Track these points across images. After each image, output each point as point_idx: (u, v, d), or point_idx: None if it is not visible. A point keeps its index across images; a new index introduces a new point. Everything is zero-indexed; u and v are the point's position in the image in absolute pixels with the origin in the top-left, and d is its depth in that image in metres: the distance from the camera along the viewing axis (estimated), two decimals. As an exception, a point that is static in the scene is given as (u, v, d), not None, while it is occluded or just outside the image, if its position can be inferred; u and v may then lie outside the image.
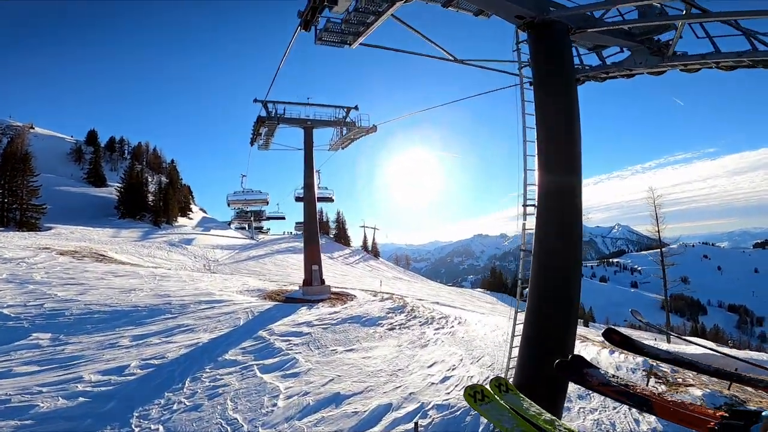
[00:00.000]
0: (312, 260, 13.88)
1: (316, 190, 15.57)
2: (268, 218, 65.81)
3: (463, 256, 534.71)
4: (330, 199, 16.06)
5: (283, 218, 67.42)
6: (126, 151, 78.45)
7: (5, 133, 60.51)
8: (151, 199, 50.56)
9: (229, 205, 62.58)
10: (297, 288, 14.22)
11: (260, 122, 13.76)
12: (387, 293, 20.21)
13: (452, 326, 11.53)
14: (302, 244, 49.28)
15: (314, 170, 14.46)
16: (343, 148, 16.21)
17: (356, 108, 15.13)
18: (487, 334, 11.14)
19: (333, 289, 14.64)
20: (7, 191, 31.48)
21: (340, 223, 70.72)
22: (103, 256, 21.18)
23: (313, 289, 13.16)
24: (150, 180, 63.25)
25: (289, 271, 34.97)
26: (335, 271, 40.87)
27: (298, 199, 37.42)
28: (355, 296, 13.82)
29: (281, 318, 9.96)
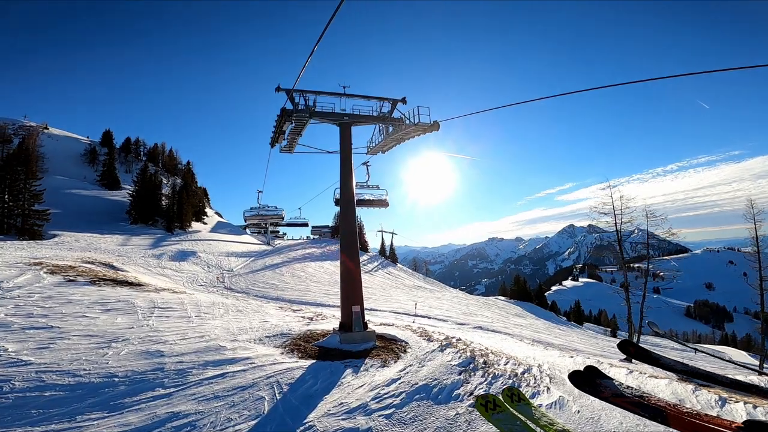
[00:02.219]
0: (352, 295, 10.70)
1: (363, 191, 12.75)
2: (289, 225, 63.44)
3: (477, 259, 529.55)
4: (383, 203, 12.93)
5: (306, 225, 65.01)
6: (141, 153, 76.92)
7: (17, 133, 59.15)
8: (165, 203, 48.31)
9: (245, 221, 60.67)
10: (331, 331, 11.10)
11: (284, 116, 10.65)
12: (431, 326, 17.11)
13: (548, 389, 8.32)
14: (319, 250, 46.68)
15: (353, 175, 11.36)
16: (384, 152, 13.10)
17: (404, 101, 11.98)
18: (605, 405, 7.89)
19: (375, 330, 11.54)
20: (8, 196, 29.11)
21: (358, 228, 67.73)
22: (103, 274, 18.51)
23: (355, 336, 10.01)
24: (165, 182, 61.32)
25: (308, 284, 32.04)
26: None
27: (338, 202, 34.55)
28: (405, 343, 10.66)
29: (322, 396, 6.88)
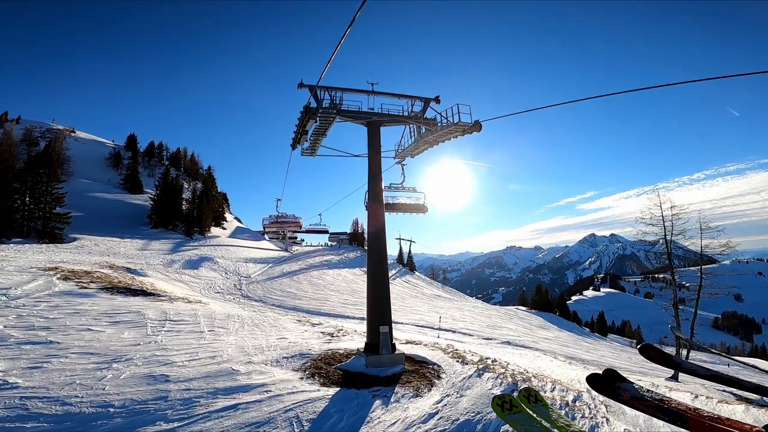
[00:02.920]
0: (380, 314, 9.62)
1: (398, 194, 11.64)
2: (308, 231, 62.75)
3: (495, 268, 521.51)
4: (421, 209, 11.00)
5: (326, 232, 64.07)
6: (164, 157, 77.91)
7: (44, 136, 60.58)
8: (185, 208, 48.33)
9: (264, 229, 60.52)
10: (355, 351, 10.09)
11: (308, 114, 9.73)
12: (458, 342, 15.97)
13: (607, 420, 7.09)
14: (337, 257, 45.82)
15: (382, 179, 10.33)
16: (413, 155, 12.06)
17: (437, 100, 10.96)
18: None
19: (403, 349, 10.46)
20: (29, 198, 29.15)
21: (377, 235, 66.57)
22: (118, 281, 17.99)
23: (382, 359, 8.94)
24: (186, 186, 61.77)
25: (326, 293, 31.16)
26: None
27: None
28: (437, 366, 9.53)
29: (348, 437, 5.86)
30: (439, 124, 10.37)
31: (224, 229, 59.39)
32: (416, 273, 61.10)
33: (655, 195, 18.99)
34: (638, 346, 4.37)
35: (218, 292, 26.03)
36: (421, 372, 8.99)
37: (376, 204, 9.90)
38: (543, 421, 4.49)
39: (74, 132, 74.20)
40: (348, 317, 22.67)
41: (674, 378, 17.90)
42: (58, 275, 15.66)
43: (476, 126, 9.32)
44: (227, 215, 68.20)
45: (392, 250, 68.67)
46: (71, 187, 47.20)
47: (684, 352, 19.22)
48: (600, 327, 72.42)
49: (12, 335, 8.06)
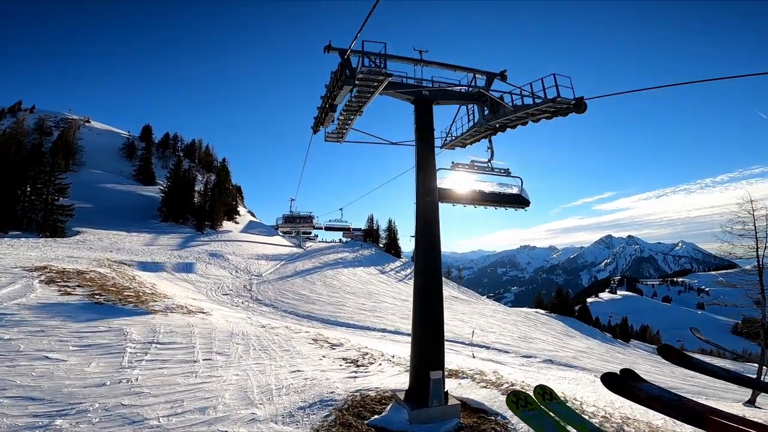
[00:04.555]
0: (431, 353, 7.18)
1: (489, 178, 8.55)
2: (328, 229, 59.75)
3: (507, 267, 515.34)
4: (520, 202, 7.71)
5: (348, 230, 60.82)
6: (179, 148, 76.78)
7: (58, 125, 59.62)
8: (197, 200, 46.64)
9: (277, 229, 58.34)
10: (388, 392, 7.76)
11: (343, 76, 7.25)
12: (498, 364, 13.58)
13: None
14: (352, 255, 43.65)
15: (435, 171, 7.81)
16: (464, 146, 9.58)
17: (503, 76, 8.45)
18: None
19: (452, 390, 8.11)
20: (29, 189, 27.47)
21: (392, 233, 64.34)
22: (112, 283, 16.05)
23: (431, 413, 6.60)
24: (200, 178, 60.26)
25: (342, 296, 28.93)
26: (395, 293, 34.55)
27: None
28: (504, 419, 7.15)
29: None
30: (510, 105, 7.86)
31: (237, 223, 57.73)
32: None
33: (747, 201, 15.96)
34: (657, 348, 4.34)
35: (226, 294, 24.05)
36: (482, 429, 6.64)
37: (428, 202, 7.46)
38: (558, 419, 4.50)
39: (89, 122, 73.39)
40: (368, 329, 20.46)
41: (751, 402, 15.26)
42: (43, 277, 13.74)
43: (579, 104, 6.78)
44: (240, 209, 66.60)
45: (406, 248, 66.33)
46: (81, 178, 46.04)
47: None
48: (623, 332, 69.35)
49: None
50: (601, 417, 8.03)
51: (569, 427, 4.42)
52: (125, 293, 14.08)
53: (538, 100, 7.06)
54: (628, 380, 3.96)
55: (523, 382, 10.20)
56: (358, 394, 7.46)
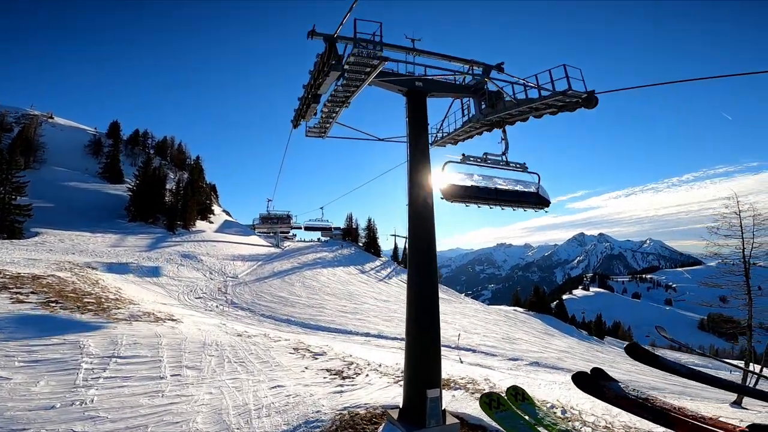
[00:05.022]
0: (428, 369, 6.56)
1: (504, 175, 7.62)
2: (308, 229, 57.42)
3: (485, 265, 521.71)
4: (538, 201, 7.68)
5: (329, 229, 58.52)
6: (149, 145, 73.68)
7: (19, 122, 56.13)
8: (168, 199, 44.68)
9: (254, 230, 56.22)
10: (378, 407, 7.10)
11: (324, 67, 6.45)
12: (487, 369, 13.14)
13: None
14: (331, 254, 42.80)
15: (430, 171, 7.11)
16: (456, 143, 8.96)
17: (500, 68, 7.78)
18: None
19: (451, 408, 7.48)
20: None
21: (371, 231, 63.67)
22: (72, 288, 14.79)
23: (430, 434, 5.99)
24: (172, 176, 57.92)
25: (322, 298, 28.05)
26: (376, 294, 33.89)
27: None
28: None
29: None
30: (510, 98, 7.25)
31: (211, 222, 55.80)
32: (411, 272, 58.29)
33: (733, 200, 15.96)
34: (625, 347, 4.54)
35: (199, 298, 22.82)
36: (482, 450, 6.06)
37: (421, 201, 6.80)
38: (530, 420, 4.59)
39: (52, 118, 69.46)
40: (351, 333, 19.69)
41: (738, 403, 15.30)
42: (-8, 283, 12.43)
43: (590, 99, 6.21)
44: (215, 208, 64.48)
45: (385, 246, 65.77)
46: (42, 176, 43.40)
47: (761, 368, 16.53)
48: (598, 330, 70.86)
49: None
50: (603, 428, 7.60)
51: (541, 428, 4.49)
52: (85, 300, 12.89)
53: (545, 93, 6.49)
54: (599, 380, 3.97)
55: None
56: (346, 412, 6.76)
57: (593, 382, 3.99)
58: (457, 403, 7.87)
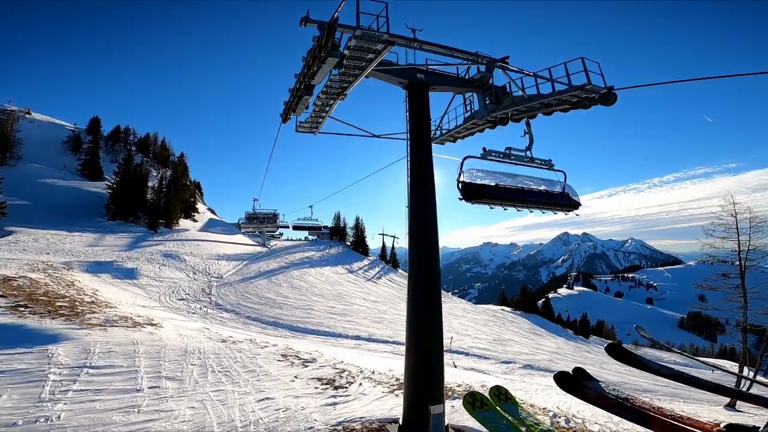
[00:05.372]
0: (431, 385, 5.93)
1: (530, 175, 6.97)
2: (296, 228, 55.50)
3: (471, 263, 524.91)
4: (571, 204, 7.09)
5: (319, 228, 56.64)
6: (131, 142, 71.63)
7: (-6, 117, 53.99)
8: (150, 197, 43.38)
9: (240, 229, 54.66)
10: (374, 420, 6.61)
11: (321, 53, 5.83)
12: (482, 373, 12.76)
13: None
14: (319, 254, 42.06)
15: (432, 163, 6.57)
16: (454, 140, 8.53)
17: (505, 62, 7.30)
18: None
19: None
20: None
21: (359, 230, 63.16)
22: (44, 291, 13.96)
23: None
24: (154, 173, 56.42)
25: (310, 299, 27.42)
26: (365, 295, 33.38)
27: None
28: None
29: None
30: (519, 93, 6.78)
31: (195, 221, 54.50)
32: (400, 270, 57.89)
33: (729, 202, 15.88)
34: (605, 347, 4.29)
35: (182, 299, 21.99)
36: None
37: (424, 202, 6.27)
38: (513, 420, 4.58)
39: (29, 113, 67.02)
40: (341, 336, 19.15)
41: (731, 406, 15.27)
42: (-45, 286, 11.56)
43: (608, 95, 5.75)
44: (199, 206, 63.06)
45: (373, 245, 65.28)
46: (18, 173, 41.70)
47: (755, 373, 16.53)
48: (583, 329, 71.56)
49: None
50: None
51: (523, 429, 4.50)
52: (57, 303, 12.08)
53: (560, 88, 6.03)
54: (580, 379, 3.98)
55: (521, 398, 9.34)
56: (341, 427, 6.25)
57: (575, 382, 4.00)
58: (458, 414, 7.42)
